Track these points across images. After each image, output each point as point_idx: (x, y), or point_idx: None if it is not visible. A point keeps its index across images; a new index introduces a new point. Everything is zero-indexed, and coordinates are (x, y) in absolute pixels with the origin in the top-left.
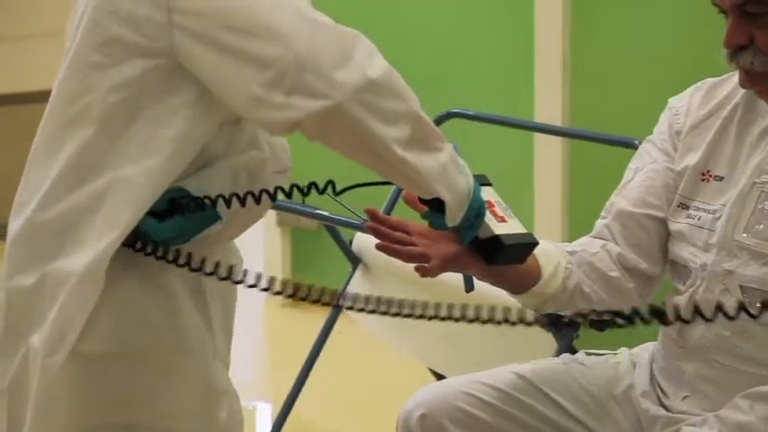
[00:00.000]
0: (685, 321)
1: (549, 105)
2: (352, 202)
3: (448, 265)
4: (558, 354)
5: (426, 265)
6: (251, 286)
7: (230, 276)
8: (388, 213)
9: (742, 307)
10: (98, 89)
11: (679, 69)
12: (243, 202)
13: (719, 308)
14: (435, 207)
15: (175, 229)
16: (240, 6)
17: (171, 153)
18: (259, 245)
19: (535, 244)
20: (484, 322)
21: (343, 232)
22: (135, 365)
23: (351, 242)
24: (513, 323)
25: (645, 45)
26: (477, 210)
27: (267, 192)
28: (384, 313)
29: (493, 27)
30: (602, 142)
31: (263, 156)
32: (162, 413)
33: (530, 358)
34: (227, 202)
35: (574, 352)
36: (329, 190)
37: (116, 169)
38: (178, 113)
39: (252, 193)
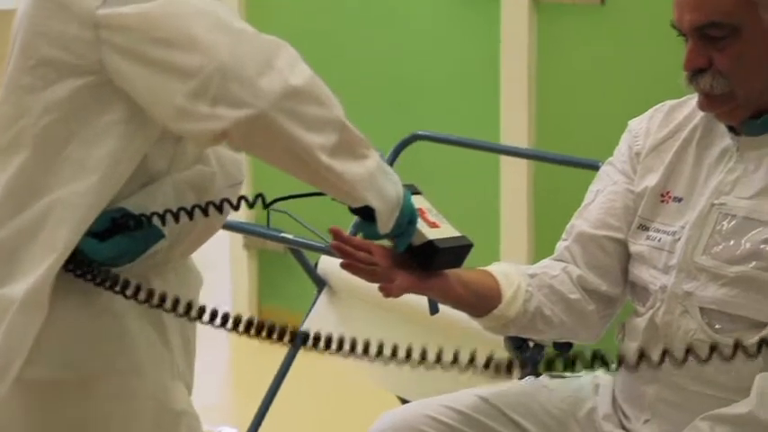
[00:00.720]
0: (654, 366)
1: (514, 128)
2: (318, 225)
3: (411, 286)
4: (522, 377)
5: (390, 285)
6: (194, 318)
7: (161, 303)
8: (354, 235)
9: (713, 349)
10: (31, 112)
11: (641, 92)
12: (176, 217)
13: (689, 350)
14: (366, 216)
15: (116, 248)
16: (162, 19)
17: (105, 172)
18: (225, 268)
19: (470, 246)
20: (450, 363)
21: (309, 255)
22: (86, 390)
23: (316, 265)
24: (485, 366)
25: (608, 68)
26: (408, 216)
27: (200, 207)
28: (351, 351)
29: (459, 49)
30: (566, 164)
31: (210, 170)
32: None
33: (494, 381)
34: (162, 219)
35: (538, 374)
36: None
37: (54, 192)
38: (111, 132)
39: (184, 209)
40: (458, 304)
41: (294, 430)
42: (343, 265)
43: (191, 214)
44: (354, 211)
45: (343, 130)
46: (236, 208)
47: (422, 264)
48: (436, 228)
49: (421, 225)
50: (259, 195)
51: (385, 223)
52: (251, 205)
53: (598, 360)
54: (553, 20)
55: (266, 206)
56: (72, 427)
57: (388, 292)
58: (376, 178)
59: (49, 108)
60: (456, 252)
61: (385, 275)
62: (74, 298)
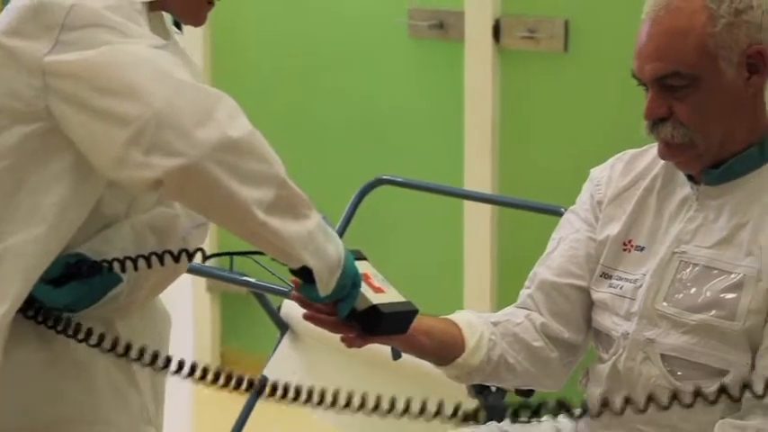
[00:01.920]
0: (617, 413)
1: (478, 173)
2: (282, 269)
3: (374, 338)
4: (485, 422)
5: (352, 336)
6: (149, 363)
7: (113, 348)
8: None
9: (674, 396)
10: None
11: (604, 139)
12: (135, 264)
13: (650, 398)
14: (307, 278)
15: (72, 294)
16: (104, 67)
17: (56, 220)
18: (188, 310)
19: (415, 312)
20: (405, 412)
21: (272, 298)
22: None
23: (279, 308)
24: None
25: (571, 115)
26: (351, 279)
27: (157, 255)
28: (312, 401)
29: (423, 94)
30: (529, 210)
31: (173, 213)
32: None
33: (457, 427)
34: (122, 265)
35: (500, 419)
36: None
37: (4, 240)
38: (60, 179)
39: (143, 256)
40: (421, 354)
41: None
42: (306, 317)
43: (149, 261)
44: (294, 272)
45: (283, 187)
46: (177, 260)
47: (366, 329)
48: (381, 293)
49: (365, 290)
50: (199, 249)
51: (325, 284)
52: (190, 258)
53: (562, 408)
54: (517, 66)
55: (204, 259)
56: None
57: (350, 342)
58: (315, 238)
59: None
60: (401, 318)
61: (348, 326)
62: (32, 344)
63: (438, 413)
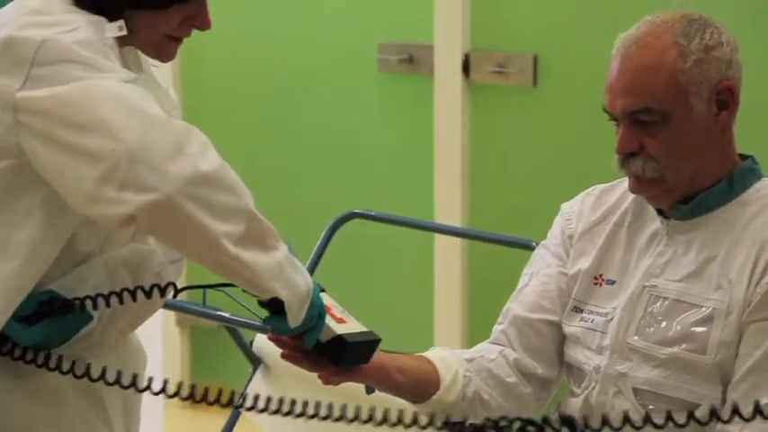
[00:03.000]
0: (595, 430)
1: (448, 206)
2: (254, 302)
3: (350, 375)
4: None
5: (328, 373)
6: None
7: (101, 377)
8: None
9: (648, 419)
10: None
11: (573, 172)
12: (107, 301)
13: (627, 418)
14: (276, 310)
15: (44, 332)
16: (75, 102)
17: (27, 256)
18: (157, 344)
19: (378, 340)
20: (379, 423)
21: (244, 332)
22: None
23: (251, 342)
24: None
25: (540, 149)
26: (318, 309)
27: (129, 291)
28: (276, 412)
29: (394, 128)
30: (500, 243)
31: (148, 248)
32: None
33: None
34: (94, 302)
35: None
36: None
37: None
38: (32, 215)
39: (115, 293)
40: (396, 391)
41: None
42: (283, 356)
43: (120, 298)
44: (263, 304)
45: (252, 220)
46: (149, 296)
47: (331, 359)
48: (343, 323)
49: (329, 320)
50: (170, 284)
51: (295, 316)
52: (163, 293)
53: (565, 423)
54: (486, 100)
55: (176, 294)
56: None
57: (326, 380)
58: (284, 269)
59: None
60: (365, 347)
61: (325, 364)
62: (7, 380)
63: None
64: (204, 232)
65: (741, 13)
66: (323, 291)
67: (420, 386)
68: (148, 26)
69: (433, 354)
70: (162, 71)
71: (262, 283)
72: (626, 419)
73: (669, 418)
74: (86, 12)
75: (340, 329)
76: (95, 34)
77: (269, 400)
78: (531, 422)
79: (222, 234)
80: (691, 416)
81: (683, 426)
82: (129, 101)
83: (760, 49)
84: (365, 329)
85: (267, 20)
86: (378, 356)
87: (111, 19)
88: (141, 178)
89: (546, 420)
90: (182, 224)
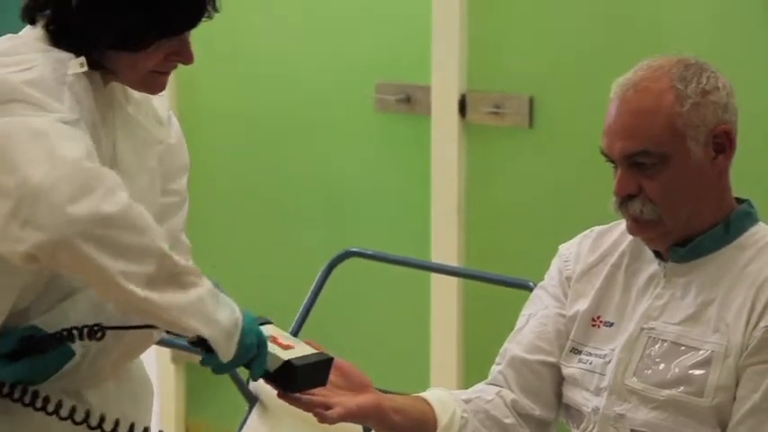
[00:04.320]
0: None
1: (444, 246)
2: None
3: (347, 414)
4: None
5: (325, 412)
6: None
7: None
8: (298, 329)
9: None
10: None
11: (569, 213)
12: (90, 335)
13: None
14: (207, 348)
15: (24, 370)
16: None
17: None
18: (153, 381)
19: (330, 360)
20: None
21: (240, 370)
22: None
23: (248, 380)
24: None
25: (537, 190)
26: (255, 339)
27: (100, 326)
28: None
29: (390, 167)
30: (496, 283)
31: None
32: None
33: None
34: (71, 336)
35: None
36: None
37: None
38: None
39: (88, 326)
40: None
41: None
42: (279, 396)
43: (94, 335)
44: (192, 344)
45: (164, 258)
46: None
47: (284, 387)
48: (290, 349)
49: (274, 349)
50: (95, 325)
51: (224, 351)
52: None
53: None
54: (482, 141)
55: (99, 339)
56: None
57: (323, 418)
58: (205, 306)
59: None
60: (318, 368)
61: (322, 405)
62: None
63: None
64: (106, 273)
65: (737, 58)
66: (269, 323)
67: (417, 427)
68: (131, 65)
69: (430, 394)
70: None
71: (179, 322)
72: None
73: None
74: (59, 51)
75: (286, 355)
76: (53, 73)
77: None
78: None
79: (126, 275)
80: None
81: None
82: (48, 141)
83: (756, 94)
84: (315, 351)
85: (265, 58)
86: (376, 397)
87: (89, 62)
88: (41, 217)
89: None
90: (82, 264)
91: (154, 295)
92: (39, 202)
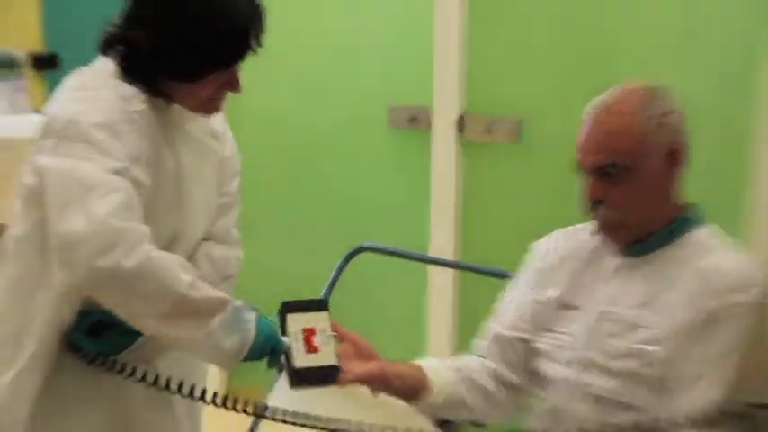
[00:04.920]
0: None
1: (442, 243)
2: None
3: (357, 378)
4: None
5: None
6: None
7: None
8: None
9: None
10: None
11: (549, 215)
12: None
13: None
14: None
15: (107, 344)
16: (53, 183)
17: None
18: None
19: (337, 369)
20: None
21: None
22: None
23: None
24: None
25: (522, 196)
26: (269, 348)
27: None
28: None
29: (398, 176)
30: (484, 274)
31: (200, 272)
32: None
33: None
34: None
35: None
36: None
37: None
38: None
39: None
40: (395, 394)
41: None
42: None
43: None
44: None
45: (178, 300)
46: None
47: (290, 383)
48: (312, 353)
49: (298, 349)
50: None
51: (226, 367)
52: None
53: None
54: (477, 154)
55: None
56: None
57: (338, 382)
58: (213, 338)
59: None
60: (321, 376)
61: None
62: (93, 383)
63: None
64: (123, 310)
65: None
66: (325, 309)
67: (414, 390)
68: (189, 94)
69: (426, 363)
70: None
71: (189, 348)
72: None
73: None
74: (126, 83)
75: (299, 362)
76: (119, 113)
77: (285, 412)
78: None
79: (141, 313)
80: (637, 427)
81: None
82: (91, 197)
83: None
84: (330, 363)
85: (299, 82)
86: (380, 364)
87: (152, 88)
88: (74, 264)
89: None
90: (108, 302)
91: (166, 329)
92: (73, 252)
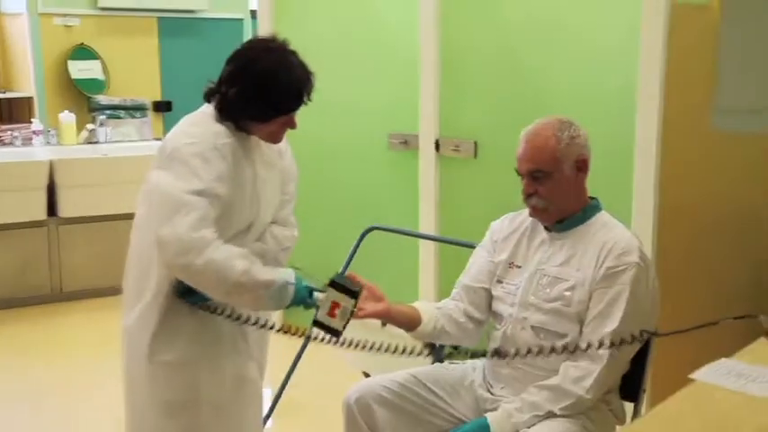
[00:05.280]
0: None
1: (427, 223)
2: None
3: (370, 315)
4: (433, 362)
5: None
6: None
7: (239, 319)
8: (342, 272)
9: (539, 350)
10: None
11: (498, 206)
12: None
13: (528, 350)
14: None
15: (199, 297)
16: (157, 192)
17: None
18: None
19: (338, 336)
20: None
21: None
22: (195, 366)
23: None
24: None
25: (480, 193)
26: (302, 304)
27: None
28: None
29: (394, 182)
30: (456, 245)
31: (266, 247)
32: (211, 392)
33: (419, 365)
34: None
35: (441, 361)
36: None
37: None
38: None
39: None
40: (397, 324)
41: (309, 389)
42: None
43: None
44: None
45: (236, 286)
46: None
47: (312, 324)
48: (329, 317)
49: (323, 309)
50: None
51: (270, 309)
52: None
53: (478, 354)
54: (449, 166)
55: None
56: (182, 386)
57: (355, 317)
58: (264, 302)
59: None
60: (327, 330)
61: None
62: (193, 318)
63: (405, 351)
64: (202, 289)
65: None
66: (357, 294)
67: (411, 322)
68: (260, 130)
69: (419, 304)
70: None
71: (248, 306)
72: (528, 351)
73: (552, 348)
74: (219, 122)
75: (319, 317)
76: (211, 147)
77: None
78: (476, 353)
79: (212, 292)
80: (565, 347)
81: (559, 353)
82: (179, 212)
83: (601, 135)
84: (335, 327)
85: (331, 119)
86: (387, 305)
87: (237, 125)
88: (165, 259)
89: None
90: (190, 283)
91: (230, 300)
92: (163, 251)
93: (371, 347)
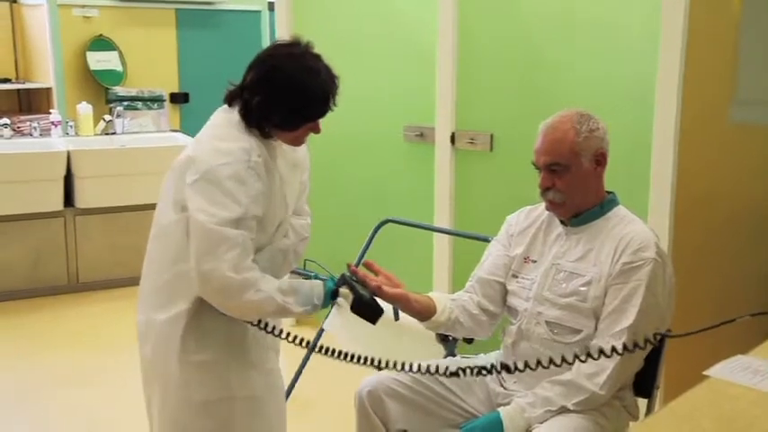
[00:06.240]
0: (520, 370)
1: (443, 216)
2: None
3: (388, 299)
4: (446, 356)
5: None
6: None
7: (258, 325)
8: (357, 264)
9: (551, 361)
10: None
11: (514, 199)
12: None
13: (530, 362)
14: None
15: None
16: (191, 223)
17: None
18: None
19: (380, 311)
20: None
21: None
22: (227, 363)
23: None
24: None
25: (495, 186)
26: (329, 303)
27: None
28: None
29: (411, 174)
30: (471, 238)
31: (289, 242)
32: (243, 387)
33: (430, 357)
34: None
35: (454, 355)
36: None
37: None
38: None
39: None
40: (412, 314)
41: (317, 385)
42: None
43: None
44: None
45: (273, 312)
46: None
47: (352, 306)
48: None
49: (345, 296)
50: None
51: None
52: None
53: (487, 370)
54: (464, 159)
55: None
56: (215, 385)
57: (379, 293)
58: (290, 311)
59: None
60: (370, 311)
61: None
62: (222, 320)
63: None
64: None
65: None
66: (397, 317)
67: (425, 312)
68: (285, 136)
69: (434, 294)
70: None
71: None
72: (538, 362)
73: (563, 360)
74: (246, 132)
75: (360, 293)
76: (244, 166)
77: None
78: (483, 369)
79: (245, 312)
80: (576, 357)
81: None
82: (217, 250)
83: (619, 131)
84: (378, 306)
85: (351, 114)
86: (404, 292)
87: (263, 133)
88: (206, 292)
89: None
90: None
91: (272, 318)
92: (205, 285)
93: (372, 362)
